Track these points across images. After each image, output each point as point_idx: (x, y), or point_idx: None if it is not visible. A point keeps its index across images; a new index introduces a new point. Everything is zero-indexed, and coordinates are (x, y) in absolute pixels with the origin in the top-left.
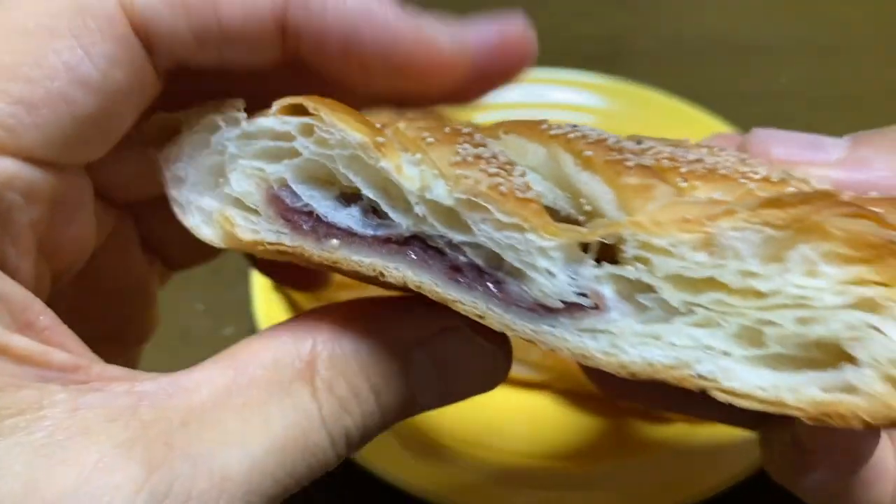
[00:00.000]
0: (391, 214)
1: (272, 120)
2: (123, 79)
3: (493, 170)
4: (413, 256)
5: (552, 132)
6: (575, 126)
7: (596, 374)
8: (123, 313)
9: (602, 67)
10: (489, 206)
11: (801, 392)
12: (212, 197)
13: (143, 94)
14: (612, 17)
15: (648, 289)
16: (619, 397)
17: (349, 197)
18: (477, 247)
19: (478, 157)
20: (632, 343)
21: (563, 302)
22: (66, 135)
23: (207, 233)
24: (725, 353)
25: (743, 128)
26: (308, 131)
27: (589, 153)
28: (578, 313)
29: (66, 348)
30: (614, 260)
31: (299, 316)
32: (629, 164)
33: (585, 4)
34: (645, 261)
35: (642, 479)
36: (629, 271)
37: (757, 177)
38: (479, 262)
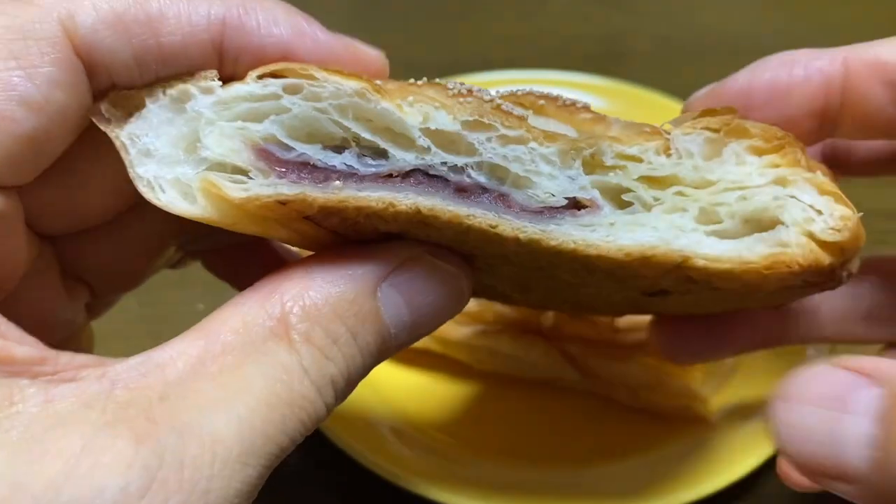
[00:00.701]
0: (391, 151)
1: (252, 85)
2: (64, 100)
3: (487, 97)
4: (418, 185)
5: (494, 91)
6: (519, 88)
7: (666, 341)
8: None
9: (599, 68)
10: (495, 124)
11: (754, 250)
12: (187, 165)
13: (81, 115)
14: (609, 19)
15: (627, 190)
16: (687, 359)
17: (335, 149)
18: (479, 167)
19: (469, 90)
20: (624, 230)
21: (565, 199)
22: (6, 154)
23: (184, 205)
24: (694, 230)
25: None
26: (294, 90)
27: (542, 103)
28: (578, 212)
29: (26, 343)
30: (591, 172)
31: (262, 280)
32: (578, 106)
33: (582, 5)
34: (622, 167)
35: (642, 478)
36: (611, 177)
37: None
38: (483, 180)
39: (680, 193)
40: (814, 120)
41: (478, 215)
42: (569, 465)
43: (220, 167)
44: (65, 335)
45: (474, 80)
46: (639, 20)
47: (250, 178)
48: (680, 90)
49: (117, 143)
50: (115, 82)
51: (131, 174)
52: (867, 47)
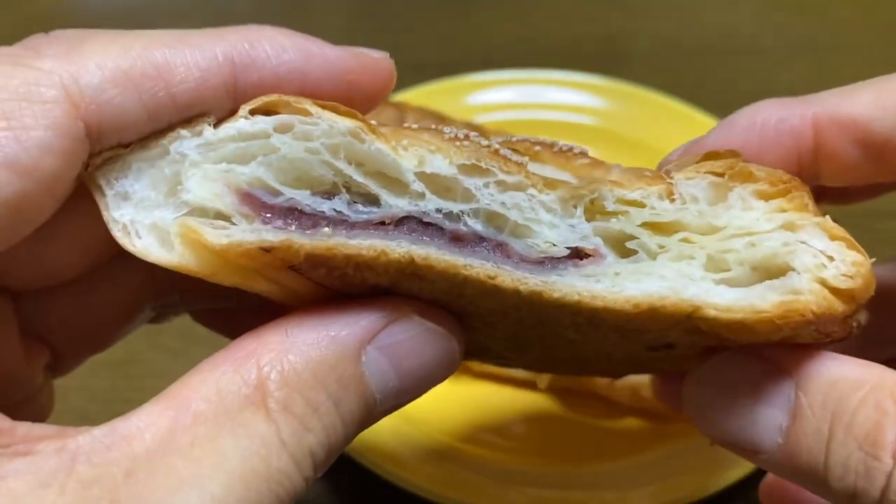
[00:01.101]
0: (383, 197)
1: (241, 122)
2: (55, 166)
3: (484, 142)
4: (412, 233)
5: (487, 142)
6: (513, 136)
7: (669, 396)
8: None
9: (601, 68)
10: (492, 168)
11: (766, 298)
12: (167, 209)
13: (72, 182)
14: (610, 18)
15: (630, 237)
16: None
17: (324, 194)
18: (476, 214)
19: (466, 135)
20: (630, 280)
21: (567, 248)
22: None
23: (160, 253)
24: (703, 279)
25: None
26: (285, 128)
27: (538, 149)
28: (581, 262)
29: None
30: (593, 219)
31: (236, 341)
32: (575, 151)
33: (583, 5)
34: (624, 213)
35: (642, 478)
36: (613, 223)
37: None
38: (480, 228)
39: (686, 240)
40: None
41: (475, 265)
42: (568, 464)
43: (202, 212)
44: (20, 397)
45: (475, 79)
46: (640, 20)
47: (233, 224)
48: (681, 90)
49: (92, 185)
50: (128, 137)
51: (106, 218)
52: (835, 102)
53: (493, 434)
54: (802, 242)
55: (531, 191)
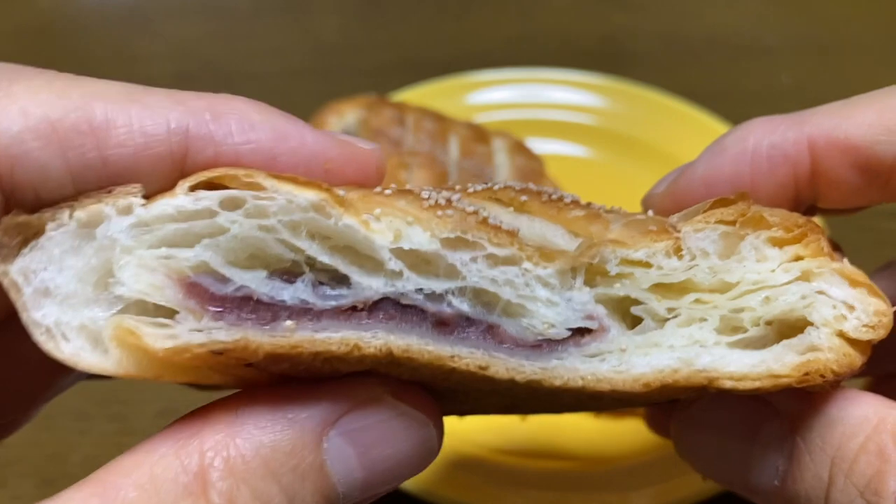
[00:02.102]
0: (356, 278)
1: (181, 199)
2: None
3: (470, 208)
4: (389, 320)
5: (471, 190)
6: (494, 182)
7: (660, 426)
8: None
9: (601, 67)
10: (481, 241)
11: (783, 361)
12: (97, 307)
13: None
14: (610, 17)
15: (635, 301)
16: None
17: (285, 274)
18: (462, 293)
19: (448, 199)
20: (637, 355)
21: (568, 330)
22: None
23: (93, 358)
24: (716, 344)
25: None
26: (234, 204)
27: (524, 198)
28: (582, 340)
29: None
30: (593, 284)
31: (181, 420)
32: (566, 200)
33: (584, 4)
34: (628, 276)
35: (643, 479)
36: (617, 289)
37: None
38: (468, 309)
39: (698, 301)
40: (786, 204)
41: (464, 355)
42: (569, 466)
43: (141, 307)
44: None
45: (475, 78)
46: (640, 18)
47: (177, 322)
48: (682, 89)
49: (5, 283)
50: (46, 196)
51: (25, 320)
52: (833, 122)
53: (493, 435)
54: (821, 293)
55: (526, 264)
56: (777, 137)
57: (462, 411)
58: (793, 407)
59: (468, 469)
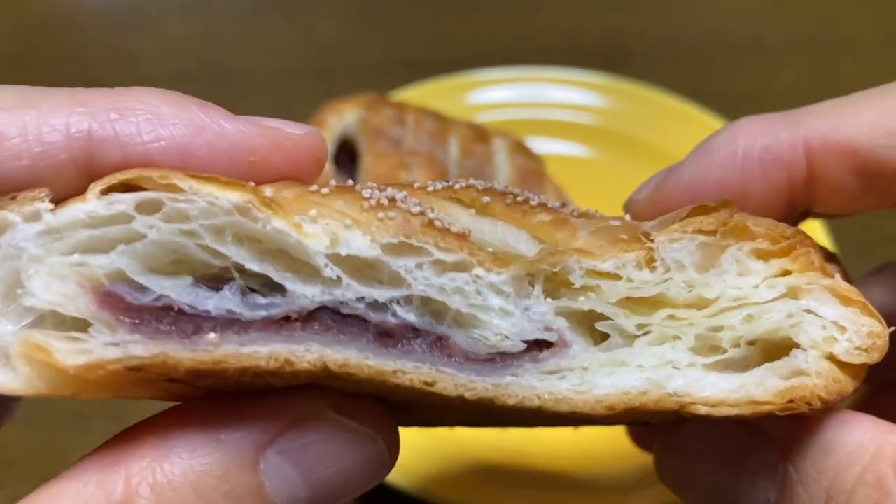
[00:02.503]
0: (289, 286)
1: (93, 203)
2: None
3: (416, 208)
4: (326, 331)
5: (430, 188)
6: (455, 180)
7: (643, 440)
8: None
9: (602, 66)
10: (426, 246)
11: (765, 385)
12: (5, 320)
13: None
14: (611, 16)
15: (602, 317)
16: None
17: (212, 280)
18: (407, 301)
19: (392, 198)
20: (601, 374)
21: (524, 342)
22: None
23: (1, 378)
24: (691, 365)
25: None
26: (151, 208)
27: (486, 199)
28: (541, 355)
29: None
30: (556, 296)
31: (106, 444)
32: (532, 203)
33: (585, 3)
34: (594, 288)
35: (645, 481)
36: (581, 302)
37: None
38: (414, 319)
39: (671, 318)
40: (779, 210)
41: (408, 370)
42: (569, 466)
43: (56, 320)
44: None
45: (475, 77)
46: (641, 17)
47: (91, 336)
48: (683, 87)
49: None
50: None
51: None
52: (830, 124)
53: (493, 435)
54: (809, 312)
55: (477, 270)
56: (770, 139)
57: (424, 423)
58: (783, 432)
59: (467, 469)
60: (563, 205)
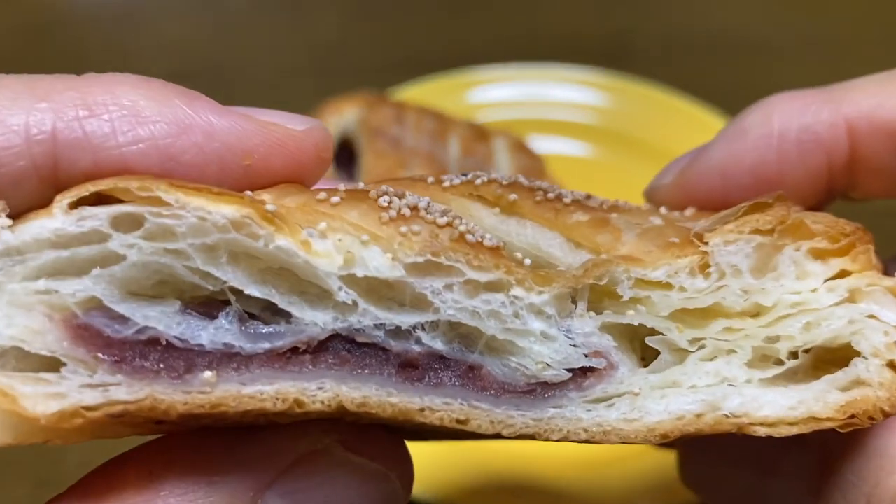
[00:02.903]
0: (296, 312)
1: (60, 219)
2: None
3: (442, 219)
4: (341, 364)
5: (447, 184)
6: (475, 173)
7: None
8: None
9: (604, 64)
10: (457, 265)
11: (825, 400)
12: None
13: None
14: (615, 14)
15: (649, 331)
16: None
17: (203, 305)
18: (434, 327)
19: (414, 207)
20: (653, 399)
21: (568, 371)
22: None
23: None
24: (747, 381)
25: None
26: (130, 223)
27: (513, 197)
28: (585, 382)
29: None
30: (599, 309)
31: (88, 477)
32: (566, 200)
33: (588, 1)
34: (643, 300)
35: (646, 482)
36: (630, 317)
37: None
38: (441, 346)
39: (727, 330)
40: (816, 196)
41: (437, 408)
42: (570, 470)
43: (19, 358)
44: None
45: (476, 75)
46: (644, 16)
47: (64, 377)
48: (687, 86)
49: None
50: None
51: None
52: (873, 102)
53: (494, 440)
54: (871, 317)
55: (515, 291)
56: (808, 118)
57: (430, 439)
58: (821, 436)
59: (468, 475)
60: (589, 197)
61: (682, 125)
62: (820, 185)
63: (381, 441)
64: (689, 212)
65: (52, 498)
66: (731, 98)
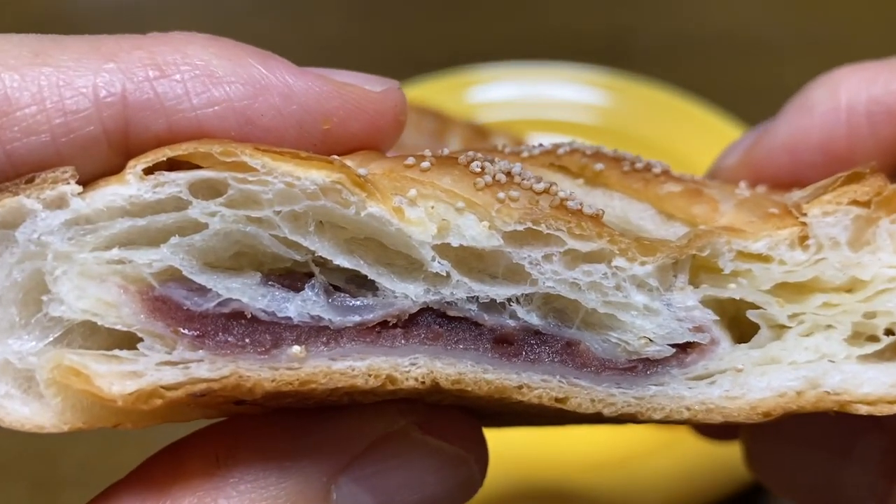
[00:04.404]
0: (385, 283)
1: (134, 186)
2: None
3: (539, 186)
4: (434, 339)
5: (525, 154)
6: (554, 143)
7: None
8: None
9: (606, 63)
10: (557, 234)
11: None
12: (27, 335)
13: None
14: (615, 12)
15: (749, 307)
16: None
17: (286, 277)
18: (529, 301)
19: (508, 173)
20: (754, 375)
21: (671, 346)
22: None
23: (24, 410)
24: (847, 358)
25: (748, 124)
26: (209, 190)
27: (599, 167)
28: (687, 358)
29: None
30: (698, 284)
31: (149, 462)
32: (655, 171)
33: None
34: (745, 273)
35: (647, 485)
36: (732, 290)
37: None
38: (537, 321)
39: (826, 305)
40: (887, 170)
41: (535, 385)
42: (572, 472)
43: (90, 334)
44: None
45: (476, 74)
46: (646, 14)
47: (141, 354)
48: (687, 85)
49: None
50: None
51: None
52: None
53: (495, 441)
54: None
55: (618, 261)
56: (878, 90)
57: (502, 424)
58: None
59: None
60: (647, 167)
61: (683, 124)
62: (892, 157)
63: (458, 423)
64: (761, 189)
65: (112, 484)
66: (732, 97)
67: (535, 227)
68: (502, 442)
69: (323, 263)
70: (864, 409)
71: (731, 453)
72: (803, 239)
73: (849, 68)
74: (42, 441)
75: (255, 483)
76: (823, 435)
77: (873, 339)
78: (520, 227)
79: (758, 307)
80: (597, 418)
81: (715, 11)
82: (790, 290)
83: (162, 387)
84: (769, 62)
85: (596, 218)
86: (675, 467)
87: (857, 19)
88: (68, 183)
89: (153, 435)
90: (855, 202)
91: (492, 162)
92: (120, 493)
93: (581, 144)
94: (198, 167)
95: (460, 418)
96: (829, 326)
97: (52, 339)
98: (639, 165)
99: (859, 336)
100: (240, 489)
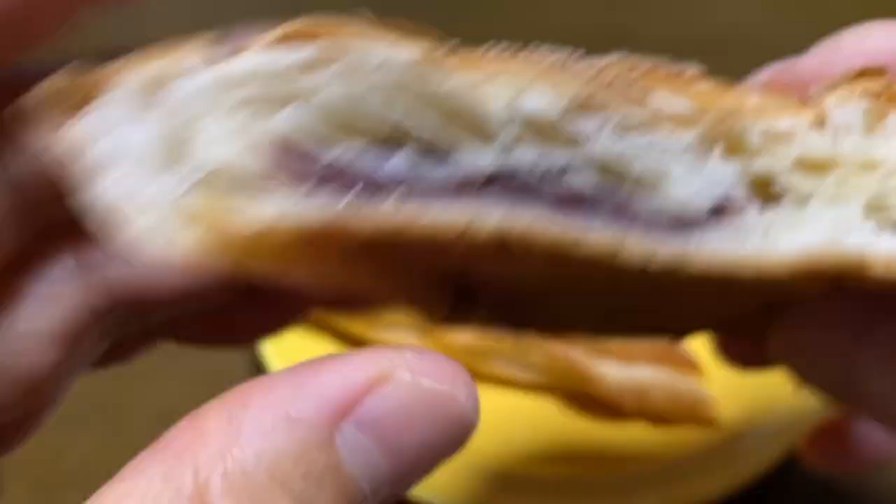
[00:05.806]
0: (462, 150)
1: (267, 53)
2: None
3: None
4: (505, 197)
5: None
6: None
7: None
8: None
9: None
10: (611, 104)
11: None
12: (171, 178)
13: None
14: (614, 11)
15: (775, 180)
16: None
17: (383, 144)
18: (585, 167)
19: (564, 60)
20: (781, 234)
21: (710, 203)
22: None
23: (166, 240)
24: (863, 227)
25: None
26: (327, 59)
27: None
28: (722, 219)
29: None
30: (730, 158)
31: (173, 429)
32: (690, 72)
33: (589, 1)
34: (769, 150)
35: (647, 485)
36: (759, 164)
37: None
38: (591, 185)
39: (844, 180)
40: None
41: (595, 235)
42: (571, 471)
43: (220, 183)
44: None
45: None
46: (646, 14)
47: (268, 195)
48: None
49: (53, 155)
50: None
51: (79, 200)
52: None
53: (494, 440)
54: None
55: (661, 131)
56: None
57: (542, 327)
58: None
59: (466, 475)
60: (681, 71)
61: None
62: None
63: (443, 365)
64: (819, 87)
65: (135, 458)
66: None
67: (591, 98)
68: (502, 441)
69: (410, 136)
70: (880, 269)
71: (730, 453)
72: (821, 122)
73: (881, 23)
74: (43, 440)
75: (265, 433)
76: (845, 318)
77: (889, 214)
78: (580, 96)
79: (778, 182)
80: (643, 304)
81: (715, 11)
82: (810, 166)
83: (284, 221)
84: (768, 62)
85: (643, 91)
86: (675, 467)
87: (857, 20)
88: (210, 47)
89: (154, 435)
90: (868, 92)
91: (543, 54)
92: (146, 460)
93: (618, 58)
94: (313, 38)
95: (444, 359)
96: (848, 198)
97: (191, 182)
98: (673, 72)
99: (877, 209)
100: (251, 440)
